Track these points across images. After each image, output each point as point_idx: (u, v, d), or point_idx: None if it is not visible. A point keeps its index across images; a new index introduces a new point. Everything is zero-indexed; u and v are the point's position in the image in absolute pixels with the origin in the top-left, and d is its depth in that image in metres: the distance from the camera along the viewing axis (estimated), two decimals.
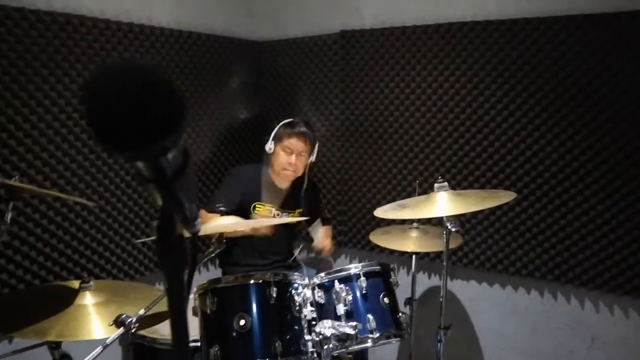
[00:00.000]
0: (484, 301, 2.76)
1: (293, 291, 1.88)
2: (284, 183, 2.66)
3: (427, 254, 2.77)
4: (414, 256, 2.55)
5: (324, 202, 3.07)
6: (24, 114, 2.11)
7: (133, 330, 1.45)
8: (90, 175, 2.36)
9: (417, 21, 2.70)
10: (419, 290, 2.81)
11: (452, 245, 2.41)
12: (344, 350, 1.86)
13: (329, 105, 3.02)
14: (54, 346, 1.72)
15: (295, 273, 1.95)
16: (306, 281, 1.96)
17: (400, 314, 1.99)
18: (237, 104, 3.10)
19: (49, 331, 1.54)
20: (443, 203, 1.97)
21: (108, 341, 1.45)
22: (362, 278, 1.95)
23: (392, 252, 2.89)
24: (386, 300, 1.98)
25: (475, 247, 2.65)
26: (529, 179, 2.48)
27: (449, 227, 1.95)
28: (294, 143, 2.54)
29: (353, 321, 1.89)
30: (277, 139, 2.57)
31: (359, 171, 2.97)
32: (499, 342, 2.72)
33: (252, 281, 1.83)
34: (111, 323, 1.47)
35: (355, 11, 2.89)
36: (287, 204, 2.67)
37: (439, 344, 2.08)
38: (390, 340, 1.95)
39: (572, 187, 2.41)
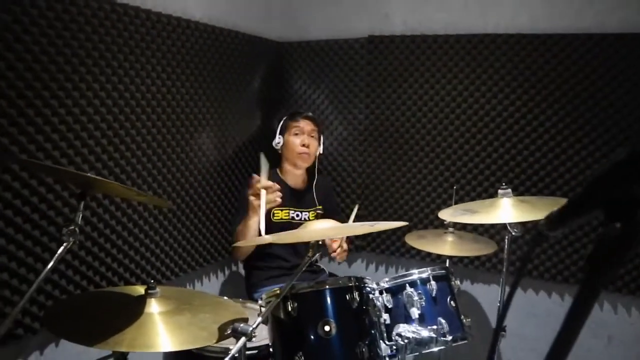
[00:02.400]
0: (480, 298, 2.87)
1: (371, 296, 1.87)
2: (298, 179, 2.65)
3: (460, 259, 2.83)
4: (447, 261, 2.60)
5: (342, 206, 3.07)
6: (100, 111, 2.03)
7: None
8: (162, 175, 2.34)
9: (449, 30, 2.76)
10: None
11: (487, 252, 2.50)
12: (417, 354, 1.88)
13: (353, 109, 3.02)
14: (120, 356, 1.63)
15: (367, 277, 1.94)
16: (374, 285, 1.95)
17: (462, 317, 2.03)
18: (259, 103, 3.03)
19: (121, 342, 1.44)
20: (507, 209, 2.03)
21: (233, 351, 1.38)
22: (432, 282, 1.98)
23: (412, 257, 2.95)
24: (453, 303, 2.01)
25: (499, 252, 2.73)
26: (551, 181, 2.61)
27: (513, 233, 2.01)
28: (302, 123, 2.64)
29: (426, 325, 1.91)
30: (284, 129, 2.64)
31: (381, 176, 2.99)
32: (519, 343, 2.82)
33: (333, 286, 1.81)
34: (228, 332, 1.41)
35: (384, 17, 2.92)
36: (303, 203, 2.66)
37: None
38: (457, 343, 1.98)
39: None
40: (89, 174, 1.61)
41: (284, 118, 2.67)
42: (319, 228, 1.84)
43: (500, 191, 2.06)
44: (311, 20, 3.12)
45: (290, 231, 1.82)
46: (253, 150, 3.00)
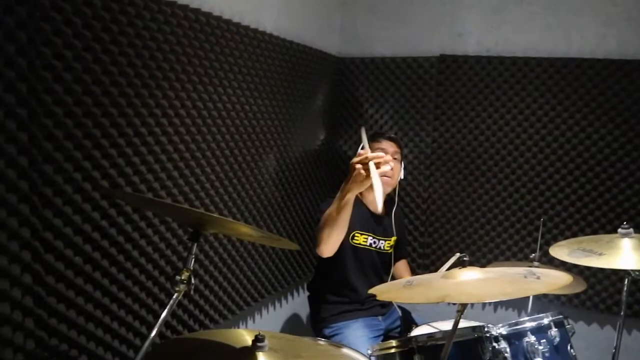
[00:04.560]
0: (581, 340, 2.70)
1: (497, 345, 1.69)
2: (377, 205, 2.45)
3: (545, 294, 2.67)
4: (531, 297, 2.44)
5: (407, 232, 2.89)
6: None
7: None
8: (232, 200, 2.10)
9: (529, 52, 2.63)
10: None
11: (577, 290, 2.35)
12: None
13: (420, 131, 2.86)
14: None
15: (491, 325, 1.75)
16: (495, 332, 1.77)
17: None
18: (321, 119, 2.85)
19: None
20: (629, 251, 1.87)
21: None
22: (554, 329, 1.81)
23: None
24: (572, 351, 1.85)
25: (602, 290, 2.59)
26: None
27: (634, 275, 1.86)
28: (386, 144, 2.37)
29: None
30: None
31: (448, 202, 2.83)
32: None
33: (465, 338, 1.62)
34: None
35: (457, 37, 2.77)
36: (382, 231, 2.47)
37: None
38: None
39: None
40: (205, 213, 1.39)
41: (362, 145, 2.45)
42: (475, 283, 1.40)
43: (621, 230, 1.90)
44: (375, 37, 2.96)
45: (428, 278, 1.54)
46: (315, 170, 2.82)
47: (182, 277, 1.33)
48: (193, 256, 1.39)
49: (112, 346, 1.63)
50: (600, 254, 1.86)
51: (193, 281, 1.36)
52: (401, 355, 1.63)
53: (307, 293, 2.57)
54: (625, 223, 1.91)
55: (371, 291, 1.54)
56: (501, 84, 2.67)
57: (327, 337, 2.33)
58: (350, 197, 1.94)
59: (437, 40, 2.81)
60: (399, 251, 2.60)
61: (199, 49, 1.92)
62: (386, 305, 2.51)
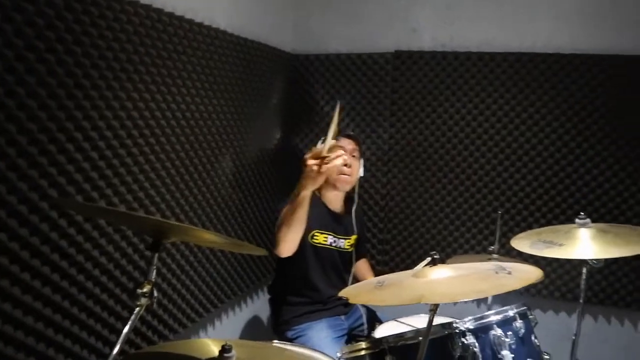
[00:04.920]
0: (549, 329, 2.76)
1: (465, 340, 1.69)
2: (337, 203, 2.43)
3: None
4: None
5: (368, 236, 2.88)
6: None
7: None
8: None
9: (482, 48, 2.66)
10: None
11: (534, 280, 2.39)
12: None
13: (377, 128, 2.85)
14: None
15: (458, 320, 1.75)
16: (463, 327, 1.77)
17: (545, 354, 1.90)
18: (277, 117, 2.79)
19: None
20: (586, 241, 1.91)
21: None
22: (519, 320, 1.83)
23: None
24: (536, 341, 1.87)
25: (557, 279, 2.65)
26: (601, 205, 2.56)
27: (592, 264, 1.91)
28: (344, 142, 2.34)
29: None
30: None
31: (407, 198, 2.83)
32: None
33: (435, 335, 1.61)
34: None
35: (413, 32, 2.77)
36: (342, 230, 2.45)
37: None
38: None
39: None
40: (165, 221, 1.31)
41: (322, 138, 2.42)
42: (448, 282, 1.40)
43: (578, 220, 1.94)
44: (330, 33, 2.92)
45: (399, 277, 1.51)
46: (272, 169, 2.76)
47: (144, 290, 1.26)
48: (154, 267, 1.31)
49: None
50: (561, 245, 1.89)
51: (155, 294, 1.29)
52: (372, 357, 1.61)
53: (267, 296, 2.52)
54: (581, 213, 1.96)
55: (341, 294, 1.51)
56: (456, 79, 2.69)
57: (290, 340, 2.28)
58: (306, 194, 1.92)
59: (392, 36, 2.80)
60: (359, 249, 2.58)
61: (150, 47, 1.83)
62: (348, 304, 2.49)
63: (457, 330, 1.68)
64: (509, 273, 1.34)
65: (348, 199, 2.47)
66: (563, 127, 2.57)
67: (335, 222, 2.41)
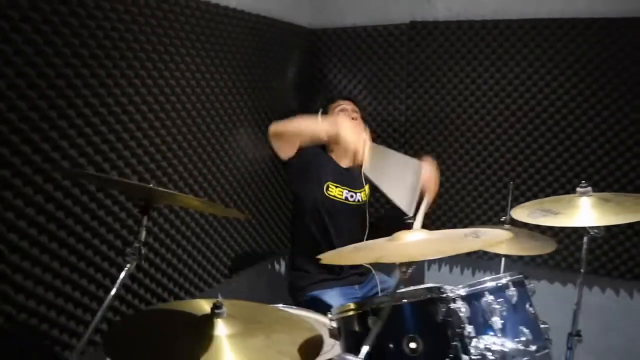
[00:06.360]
0: (554, 300, 2.74)
1: (452, 305, 1.74)
2: (348, 158, 2.50)
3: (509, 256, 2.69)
4: (503, 259, 2.47)
5: (382, 202, 2.93)
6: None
7: None
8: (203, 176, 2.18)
9: (498, 15, 2.61)
10: None
11: (547, 250, 2.38)
12: None
13: (393, 100, 2.87)
14: None
15: (448, 286, 1.80)
16: (452, 293, 1.82)
17: (542, 323, 1.91)
18: (294, 92, 2.86)
19: None
20: (587, 209, 1.89)
21: None
22: (512, 288, 1.84)
23: (467, 255, 2.79)
24: (531, 309, 1.89)
25: (563, 249, 2.62)
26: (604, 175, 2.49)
27: (592, 233, 1.89)
28: (344, 103, 2.51)
29: (509, 335, 1.78)
30: (326, 112, 2.51)
31: None
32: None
33: (417, 299, 1.66)
34: None
35: (427, 2, 2.75)
36: (355, 183, 2.51)
37: (568, 352, 2.02)
38: (540, 352, 1.86)
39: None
40: (151, 186, 1.42)
41: (323, 105, 2.52)
42: (415, 244, 1.49)
43: (579, 189, 1.91)
44: (345, 6, 2.94)
45: (376, 242, 1.60)
46: None
47: (131, 250, 1.38)
48: (144, 228, 1.44)
49: (59, 323, 1.66)
50: (557, 213, 1.88)
51: (143, 252, 1.41)
52: (358, 318, 1.67)
53: (284, 265, 2.63)
54: (583, 182, 1.93)
55: (322, 256, 1.58)
56: (472, 48, 2.66)
57: (304, 306, 2.39)
58: (322, 134, 2.11)
59: (407, 6, 2.80)
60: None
61: (157, 27, 1.94)
62: (364, 274, 2.56)
63: (443, 296, 1.72)
64: (477, 237, 1.38)
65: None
66: (582, 94, 2.50)
67: (347, 177, 2.48)
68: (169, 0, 2.00)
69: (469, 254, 2.76)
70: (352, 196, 2.47)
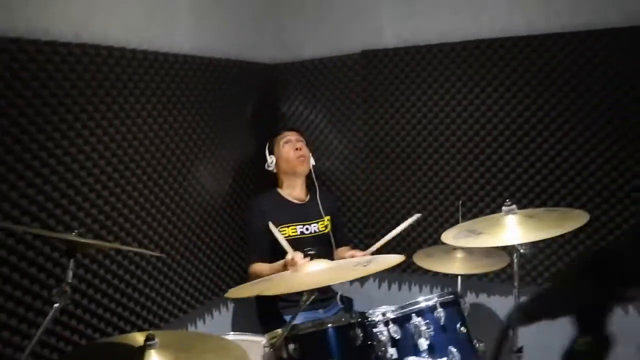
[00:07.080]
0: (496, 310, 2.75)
1: (375, 330, 1.80)
2: (300, 192, 2.66)
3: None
4: (459, 277, 2.51)
5: (349, 225, 3.00)
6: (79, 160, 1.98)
7: None
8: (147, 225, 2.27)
9: (442, 39, 2.68)
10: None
11: (500, 266, 2.41)
12: None
13: (352, 127, 2.96)
14: None
15: (371, 310, 1.86)
16: (380, 317, 1.88)
17: (475, 342, 1.95)
18: (254, 129, 2.97)
19: None
20: (512, 228, 1.92)
21: None
22: (440, 309, 1.90)
23: (425, 272, 2.84)
24: (463, 329, 1.93)
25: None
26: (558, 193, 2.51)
27: (521, 250, 1.92)
28: (289, 134, 2.68)
29: (436, 355, 1.84)
30: (272, 147, 2.67)
31: (385, 193, 2.91)
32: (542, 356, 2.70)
33: (334, 325, 1.74)
34: None
35: (377, 30, 2.85)
36: (310, 215, 2.61)
37: None
38: None
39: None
40: (73, 238, 1.54)
41: (268, 142, 2.67)
42: (312, 274, 1.67)
43: (504, 208, 1.96)
44: (303, 40, 3.07)
45: (280, 275, 1.71)
46: (250, 179, 2.93)
47: (57, 291, 1.50)
48: (70, 271, 1.56)
49: None
50: (480, 234, 1.93)
51: (69, 292, 1.53)
52: (285, 344, 1.75)
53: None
54: (507, 200, 1.98)
55: (227, 295, 1.68)
56: (420, 72, 2.73)
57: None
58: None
59: (358, 36, 2.89)
60: (338, 235, 2.71)
61: (104, 81, 2.07)
62: (328, 299, 2.63)
63: (365, 320, 1.79)
64: (365, 266, 1.46)
65: (309, 186, 2.65)
66: (528, 109, 2.54)
67: (300, 212, 2.58)
68: (114, 53, 2.14)
69: (428, 272, 2.77)
70: (307, 229, 2.57)
